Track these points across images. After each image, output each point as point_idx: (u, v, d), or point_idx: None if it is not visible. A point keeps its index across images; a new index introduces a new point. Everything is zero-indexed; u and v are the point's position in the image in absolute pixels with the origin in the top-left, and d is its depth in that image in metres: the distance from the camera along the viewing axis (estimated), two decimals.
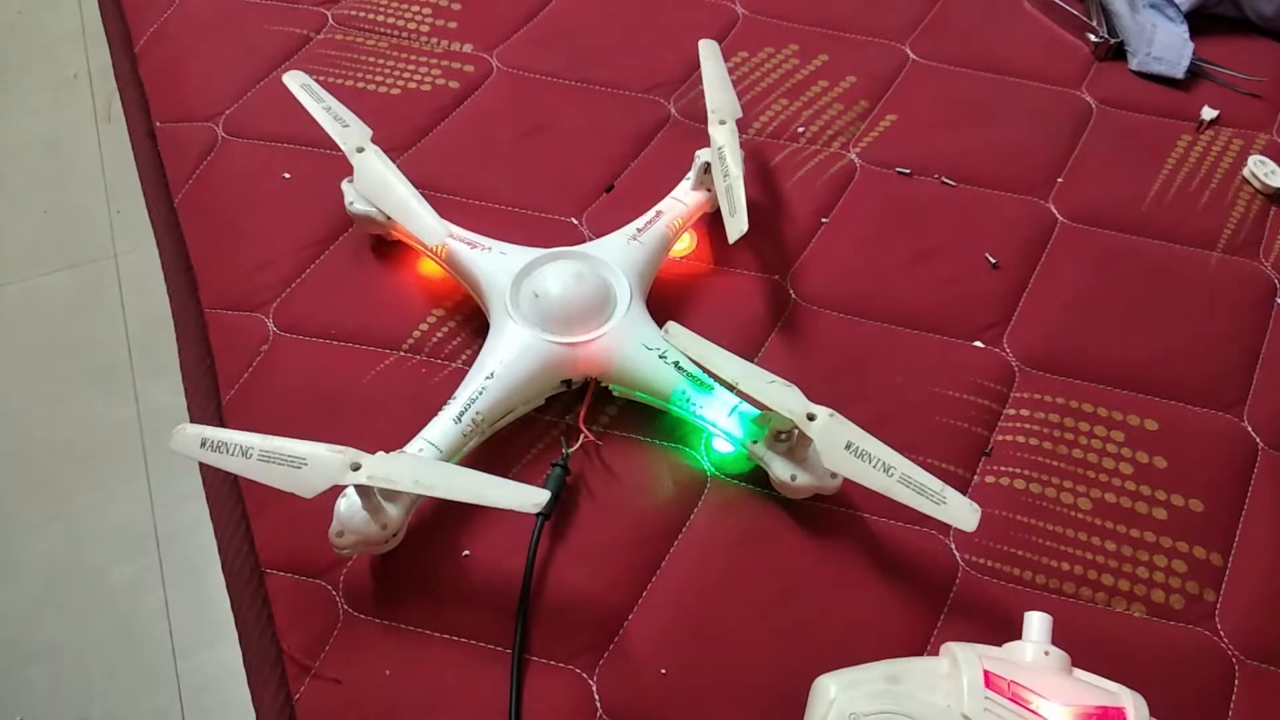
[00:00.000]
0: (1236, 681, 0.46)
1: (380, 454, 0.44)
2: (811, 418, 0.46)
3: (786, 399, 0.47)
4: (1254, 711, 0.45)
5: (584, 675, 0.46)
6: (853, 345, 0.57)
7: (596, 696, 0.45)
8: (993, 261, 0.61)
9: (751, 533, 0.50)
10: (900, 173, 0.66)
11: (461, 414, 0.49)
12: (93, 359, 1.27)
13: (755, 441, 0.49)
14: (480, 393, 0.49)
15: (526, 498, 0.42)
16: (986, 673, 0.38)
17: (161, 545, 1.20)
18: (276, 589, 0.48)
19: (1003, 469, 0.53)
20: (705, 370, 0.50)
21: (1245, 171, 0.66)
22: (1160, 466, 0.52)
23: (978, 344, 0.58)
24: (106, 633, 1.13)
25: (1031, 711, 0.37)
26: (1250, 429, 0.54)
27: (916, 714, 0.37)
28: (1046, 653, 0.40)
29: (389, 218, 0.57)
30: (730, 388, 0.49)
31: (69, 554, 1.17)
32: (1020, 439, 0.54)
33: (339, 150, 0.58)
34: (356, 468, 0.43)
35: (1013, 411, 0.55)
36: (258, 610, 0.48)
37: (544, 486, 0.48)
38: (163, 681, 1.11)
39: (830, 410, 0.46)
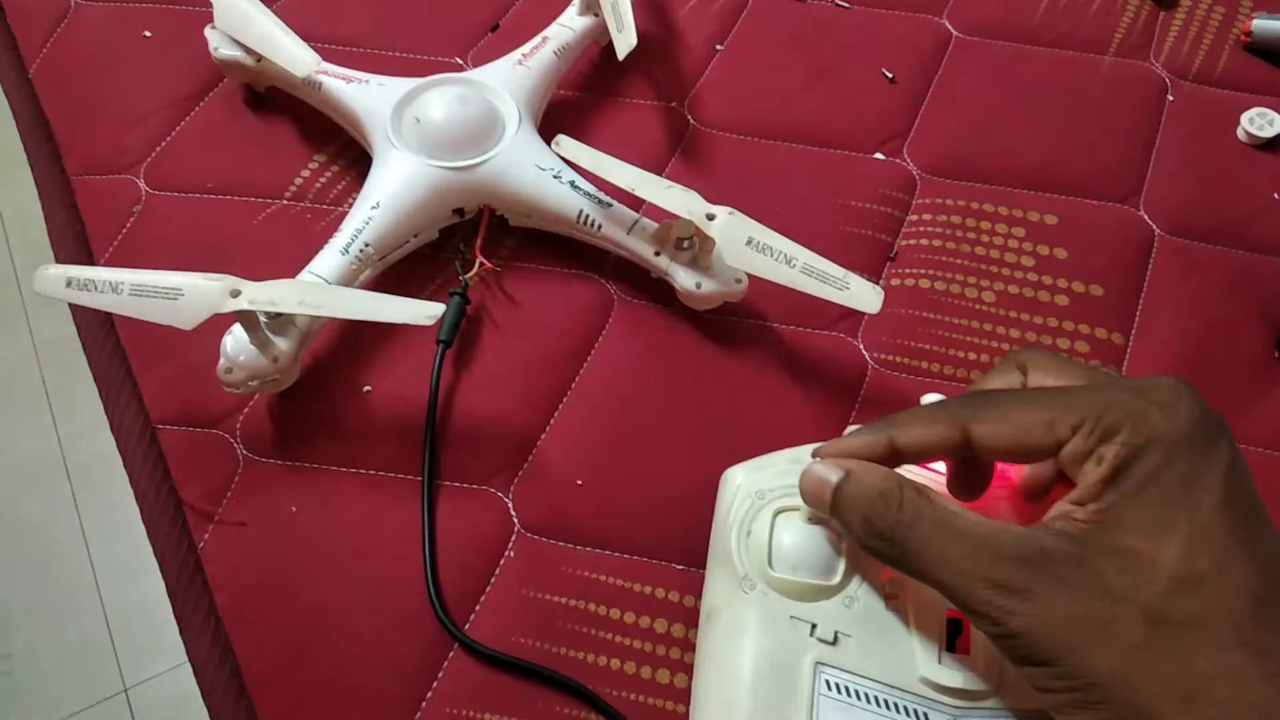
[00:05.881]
0: None
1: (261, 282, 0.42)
2: (711, 217, 0.45)
3: (686, 201, 0.46)
4: None
5: (499, 494, 0.45)
6: (755, 164, 0.56)
7: (513, 512, 0.44)
8: (889, 76, 0.60)
9: (661, 348, 0.49)
10: None
11: (348, 245, 0.46)
12: None
13: (657, 254, 0.48)
14: (367, 222, 0.47)
15: (420, 310, 0.41)
16: None
17: (73, 476, 1.16)
18: (170, 443, 0.46)
19: (908, 271, 0.52)
20: (599, 185, 0.49)
21: None
22: (1061, 257, 0.53)
23: (878, 155, 0.57)
24: (23, 565, 1.10)
25: (933, 470, 0.38)
26: (1146, 216, 0.55)
27: None
28: None
29: (258, 59, 0.53)
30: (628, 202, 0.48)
31: None
32: (924, 241, 0.53)
33: (199, 5, 0.54)
34: (236, 294, 0.41)
35: (915, 217, 0.55)
36: (152, 464, 0.46)
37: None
38: (88, 611, 1.08)
39: (729, 209, 0.45)
